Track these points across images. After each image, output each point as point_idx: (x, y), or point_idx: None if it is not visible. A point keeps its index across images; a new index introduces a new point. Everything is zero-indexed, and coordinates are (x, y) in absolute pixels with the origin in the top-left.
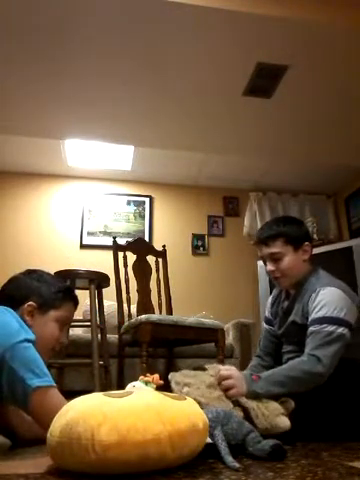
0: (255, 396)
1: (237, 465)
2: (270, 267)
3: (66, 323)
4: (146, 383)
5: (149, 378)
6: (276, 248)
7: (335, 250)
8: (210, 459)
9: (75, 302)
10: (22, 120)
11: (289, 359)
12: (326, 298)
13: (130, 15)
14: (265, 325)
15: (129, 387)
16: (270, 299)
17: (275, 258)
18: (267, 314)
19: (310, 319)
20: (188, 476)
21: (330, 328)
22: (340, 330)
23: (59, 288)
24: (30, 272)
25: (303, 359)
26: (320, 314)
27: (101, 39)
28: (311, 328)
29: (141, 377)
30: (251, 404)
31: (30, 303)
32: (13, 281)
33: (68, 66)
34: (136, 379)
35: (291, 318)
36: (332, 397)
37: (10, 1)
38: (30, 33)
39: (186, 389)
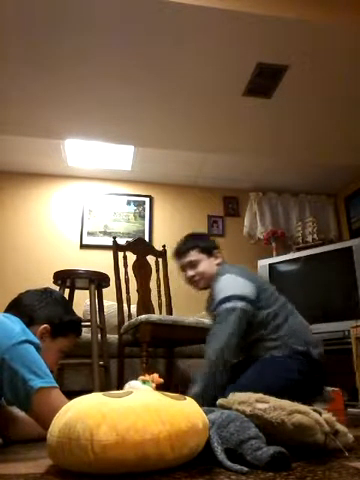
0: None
1: (241, 468)
2: (190, 272)
3: (66, 352)
4: (144, 382)
5: (147, 377)
6: (193, 257)
7: (335, 250)
8: (210, 460)
9: (79, 334)
10: (22, 120)
11: None
12: (220, 285)
13: (130, 15)
14: None
15: (126, 387)
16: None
17: (193, 264)
18: None
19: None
20: (188, 476)
21: (228, 305)
22: (237, 304)
23: (72, 318)
24: (51, 292)
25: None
26: (217, 298)
27: (101, 39)
28: (215, 313)
29: (140, 377)
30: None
31: (46, 326)
32: (34, 297)
33: (68, 66)
34: (136, 379)
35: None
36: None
37: (10, 0)
38: (30, 33)
39: None
